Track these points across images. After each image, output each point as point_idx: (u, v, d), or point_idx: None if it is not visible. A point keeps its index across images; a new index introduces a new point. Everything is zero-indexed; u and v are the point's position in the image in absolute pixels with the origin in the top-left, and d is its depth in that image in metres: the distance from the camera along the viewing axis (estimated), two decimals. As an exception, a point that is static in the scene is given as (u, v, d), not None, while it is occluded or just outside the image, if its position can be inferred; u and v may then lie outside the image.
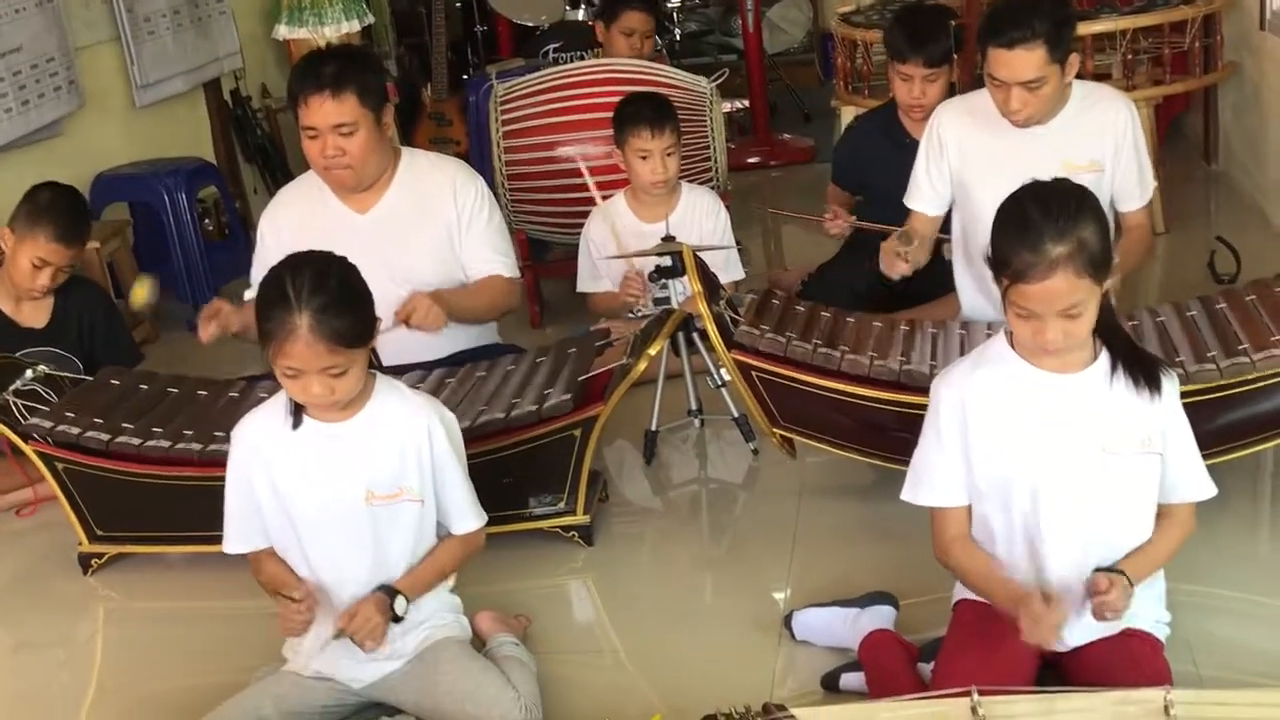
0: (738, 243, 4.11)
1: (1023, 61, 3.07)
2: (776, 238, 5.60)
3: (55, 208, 3.69)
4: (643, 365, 2.96)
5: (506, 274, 3.59)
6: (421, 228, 3.53)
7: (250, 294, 3.65)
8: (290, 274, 2.28)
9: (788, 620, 2.66)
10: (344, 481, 2.39)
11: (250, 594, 2.96)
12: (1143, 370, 2.28)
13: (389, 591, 2.39)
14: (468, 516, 2.51)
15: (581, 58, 6.60)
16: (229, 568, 3.06)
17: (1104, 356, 2.27)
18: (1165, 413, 2.28)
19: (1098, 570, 2.22)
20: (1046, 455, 2.26)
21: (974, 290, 3.51)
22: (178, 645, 2.97)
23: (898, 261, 3.28)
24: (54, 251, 3.66)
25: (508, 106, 4.48)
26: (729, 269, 4.05)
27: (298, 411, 2.40)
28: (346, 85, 3.31)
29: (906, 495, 2.39)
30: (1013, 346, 2.31)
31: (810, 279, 4.24)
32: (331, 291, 2.27)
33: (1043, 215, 2.15)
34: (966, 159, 3.38)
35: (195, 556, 3.17)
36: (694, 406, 3.54)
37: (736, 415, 3.45)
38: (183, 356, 4.84)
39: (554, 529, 3.10)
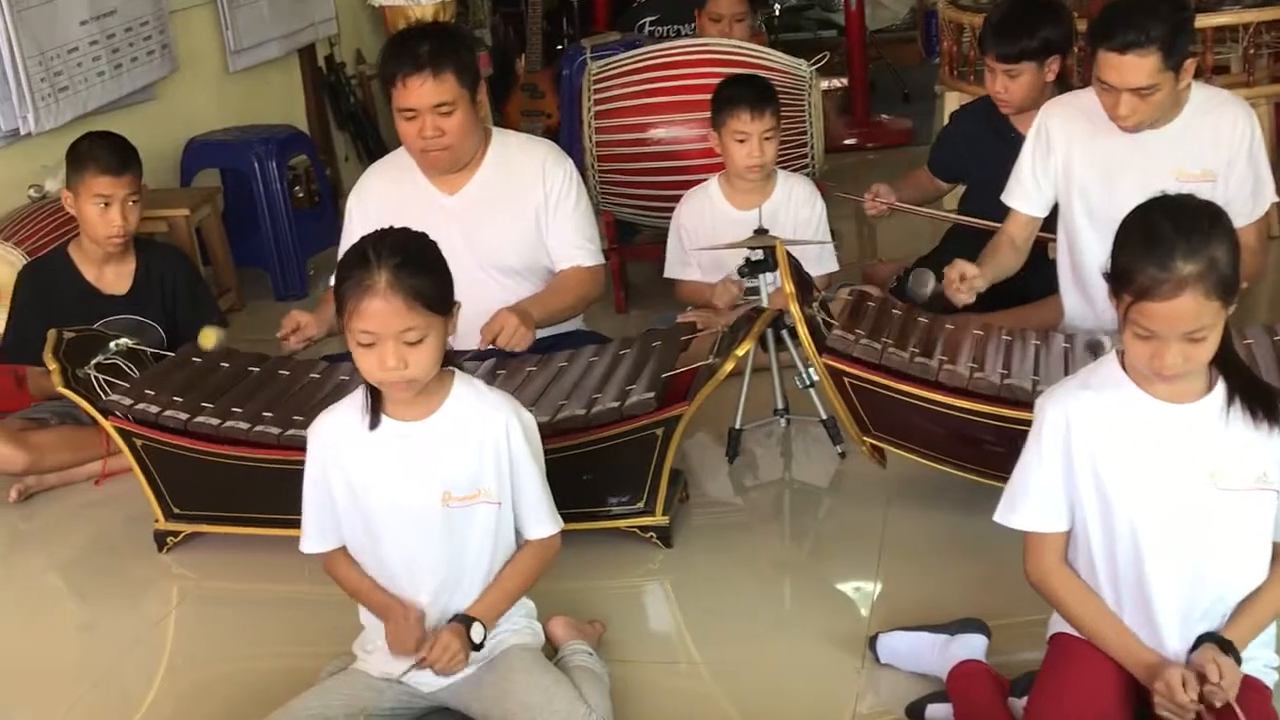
0: (832, 234, 3.99)
1: (1134, 68, 2.93)
2: (870, 225, 5.45)
3: (94, 146, 3.66)
4: (729, 366, 2.86)
5: (590, 262, 3.52)
6: (509, 209, 3.47)
7: (334, 278, 3.60)
8: (371, 242, 2.26)
9: (873, 641, 2.57)
10: (421, 482, 2.33)
11: (323, 580, 2.93)
12: (1261, 402, 2.14)
13: (466, 620, 2.33)
14: (544, 521, 2.43)
15: (679, 33, 6.51)
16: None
17: (1220, 387, 2.14)
18: (1284, 446, 2.15)
19: (1205, 641, 2.10)
20: (1153, 488, 2.14)
21: (1078, 297, 3.37)
22: (249, 627, 2.94)
23: (960, 292, 3.10)
24: (107, 184, 3.60)
25: (600, 85, 4.38)
26: (823, 261, 3.94)
27: (375, 410, 2.34)
28: (445, 64, 3.26)
29: (1000, 517, 2.28)
30: (1124, 368, 2.18)
31: (905, 274, 4.09)
32: (410, 253, 2.24)
33: (1174, 230, 2.02)
34: (1074, 160, 3.23)
35: (269, 538, 3.13)
36: (780, 405, 3.44)
37: (825, 417, 3.34)
38: (267, 324, 4.82)
39: (631, 529, 3.02)
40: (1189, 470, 2.13)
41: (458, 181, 3.48)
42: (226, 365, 3.31)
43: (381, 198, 3.53)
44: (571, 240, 3.49)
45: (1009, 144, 3.99)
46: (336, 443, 2.38)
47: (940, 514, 3.06)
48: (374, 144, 6.57)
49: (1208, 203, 2.13)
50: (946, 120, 5.18)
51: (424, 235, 2.32)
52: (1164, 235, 2.03)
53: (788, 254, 2.93)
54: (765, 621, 2.78)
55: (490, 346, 3.18)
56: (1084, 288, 3.35)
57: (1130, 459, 2.16)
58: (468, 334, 3.01)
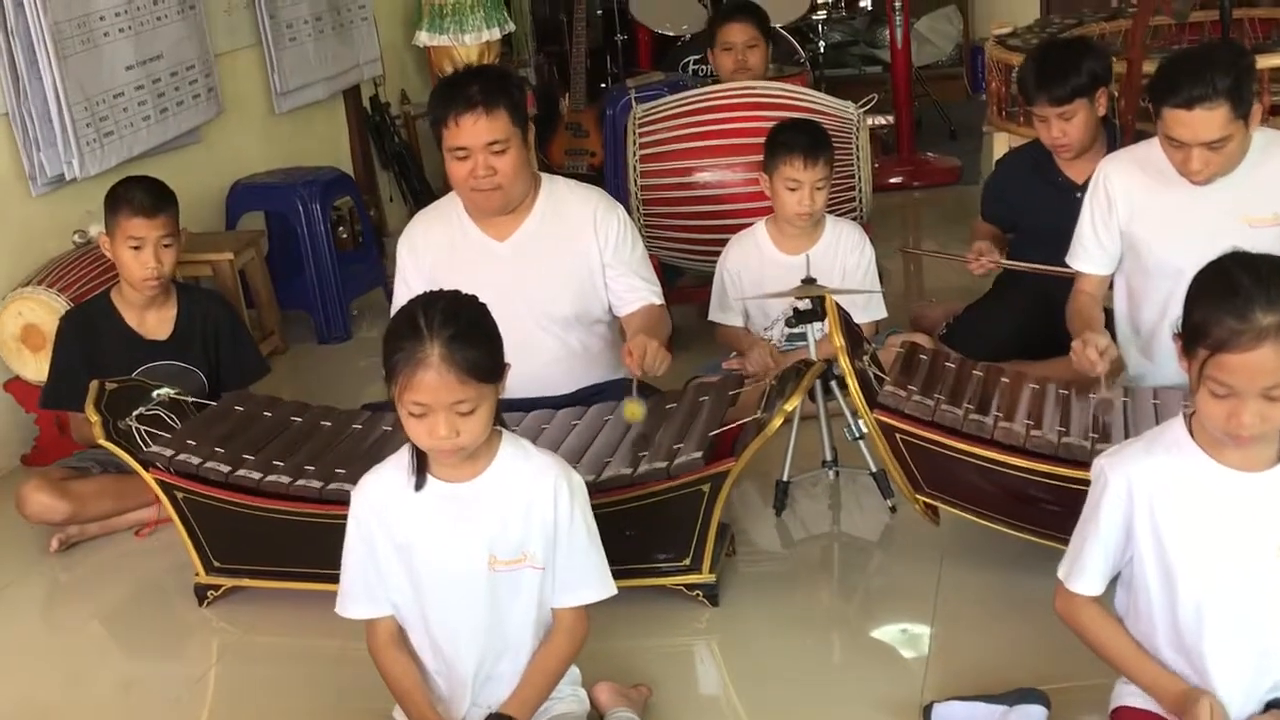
0: (879, 277, 3.94)
1: (1204, 122, 2.86)
2: (917, 264, 5.39)
3: (129, 189, 3.64)
4: (778, 422, 2.80)
5: (660, 302, 3.51)
6: (561, 257, 3.44)
7: None
8: (421, 308, 2.21)
9: (927, 711, 2.49)
10: (465, 545, 2.29)
11: (363, 634, 2.89)
12: (1336, 475, 2.07)
13: (501, 719, 2.27)
14: (583, 587, 2.36)
15: (719, 71, 6.48)
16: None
17: None
18: (1357, 521, 2.07)
19: (1272, 708, 2.03)
20: (1220, 558, 2.08)
21: (1137, 351, 3.29)
22: (291, 684, 2.90)
23: (1098, 364, 2.92)
24: (140, 226, 3.57)
25: (645, 129, 4.35)
26: (870, 309, 3.89)
27: (421, 471, 2.29)
28: (498, 102, 3.25)
29: (1062, 574, 2.25)
30: (1191, 434, 2.11)
31: (955, 322, 4.04)
32: (463, 323, 2.20)
33: (1253, 281, 1.96)
34: (1136, 215, 3.16)
35: (311, 593, 3.08)
36: (829, 457, 3.37)
37: (874, 469, 3.27)
38: (311, 369, 4.83)
39: (678, 587, 2.96)
40: (1258, 544, 2.07)
41: (507, 227, 3.45)
42: (269, 415, 3.28)
43: (433, 246, 3.51)
44: (635, 283, 3.48)
45: (1057, 189, 3.94)
46: (383, 505, 2.34)
47: (995, 573, 2.98)
48: (419, 184, 6.57)
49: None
50: (994, 163, 5.12)
51: (474, 299, 2.28)
52: (1242, 286, 1.97)
53: (837, 306, 2.87)
54: (817, 685, 2.70)
55: (632, 375, 3.06)
56: (1144, 342, 3.27)
57: (1196, 529, 2.09)
58: (513, 386, 2.96)
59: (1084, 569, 2.18)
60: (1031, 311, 3.81)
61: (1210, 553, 2.08)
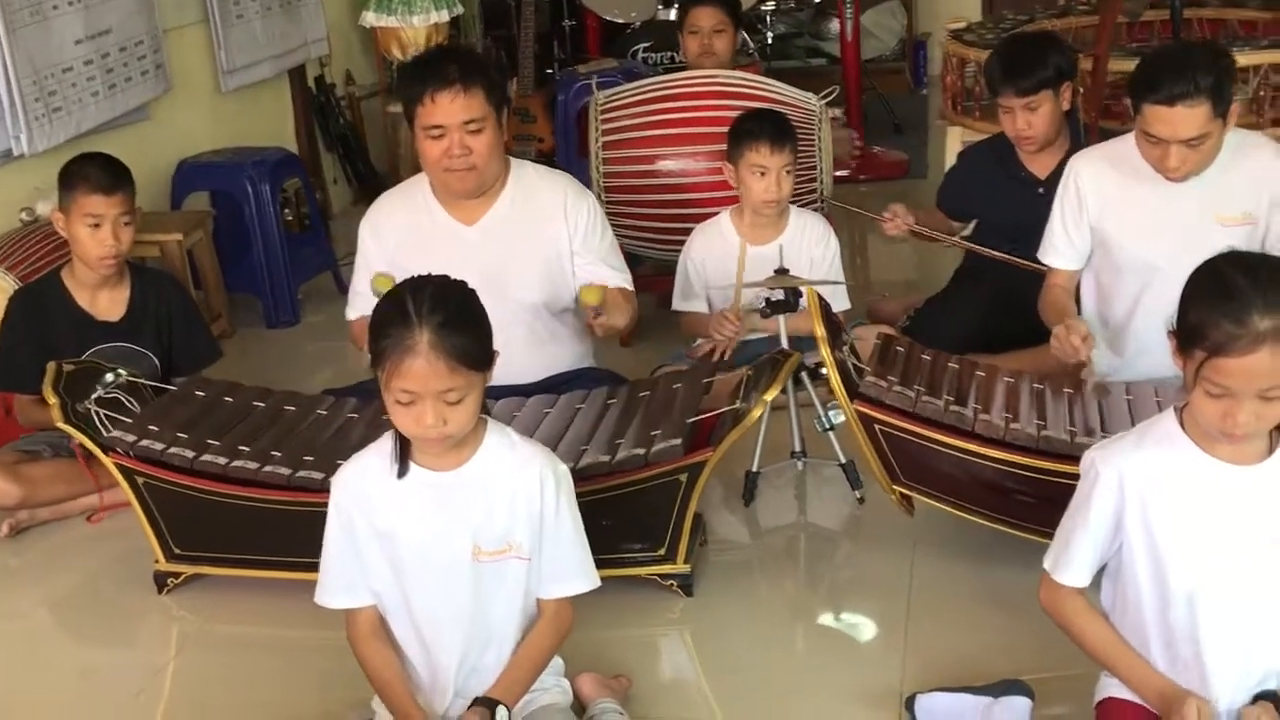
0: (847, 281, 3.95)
1: (1184, 119, 2.88)
2: (863, 254, 5.40)
3: (85, 165, 3.56)
4: (759, 411, 2.78)
5: (629, 288, 3.50)
6: (529, 242, 3.39)
7: (353, 312, 3.52)
8: (410, 292, 2.16)
9: (909, 702, 2.49)
10: (449, 535, 2.24)
11: (335, 624, 2.83)
12: (1324, 466, 2.09)
13: (489, 703, 2.23)
14: (572, 576, 2.33)
15: (672, 59, 6.45)
16: (310, 594, 2.94)
17: None
18: (1346, 511, 2.09)
19: (1262, 699, 2.05)
20: (1212, 551, 2.08)
21: (1106, 349, 3.31)
22: (257, 674, 2.84)
23: (1080, 350, 2.97)
24: (98, 203, 3.48)
25: (608, 115, 4.31)
26: (836, 300, 3.86)
27: (404, 459, 2.25)
28: (476, 80, 3.20)
29: (1048, 564, 2.24)
30: (1183, 427, 2.12)
31: (919, 313, 4.05)
32: (452, 309, 2.15)
33: (1250, 284, 1.96)
34: (1108, 211, 3.18)
35: (275, 581, 3.03)
36: (799, 448, 3.36)
37: (843, 460, 3.27)
38: (259, 353, 4.74)
39: (652, 576, 2.93)
40: (1250, 536, 2.08)
41: (476, 211, 3.40)
42: (231, 400, 3.21)
43: (398, 229, 3.45)
44: (603, 271, 3.45)
45: (1020, 183, 3.97)
46: (364, 493, 2.28)
47: (967, 564, 2.99)
48: (364, 167, 6.49)
49: (1276, 257, 2.09)
50: (949, 155, 5.15)
51: (463, 284, 2.24)
52: (1239, 288, 1.97)
53: (819, 297, 2.86)
54: (794, 676, 2.70)
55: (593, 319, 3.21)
56: (1111, 337, 3.29)
57: (1188, 522, 2.10)
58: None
59: (1071, 560, 2.19)
60: (993, 304, 3.83)
61: (1202, 545, 2.09)
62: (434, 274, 2.24)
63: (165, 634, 3.04)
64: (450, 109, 3.19)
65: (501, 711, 2.21)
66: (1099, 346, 3.32)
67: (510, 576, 2.28)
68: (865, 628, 2.85)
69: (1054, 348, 2.95)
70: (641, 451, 2.79)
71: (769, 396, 2.79)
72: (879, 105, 7.39)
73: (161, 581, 3.10)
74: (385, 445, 2.29)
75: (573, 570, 2.33)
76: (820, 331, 2.80)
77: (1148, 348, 3.20)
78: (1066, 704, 2.42)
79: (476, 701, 2.23)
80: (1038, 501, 2.75)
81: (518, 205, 3.42)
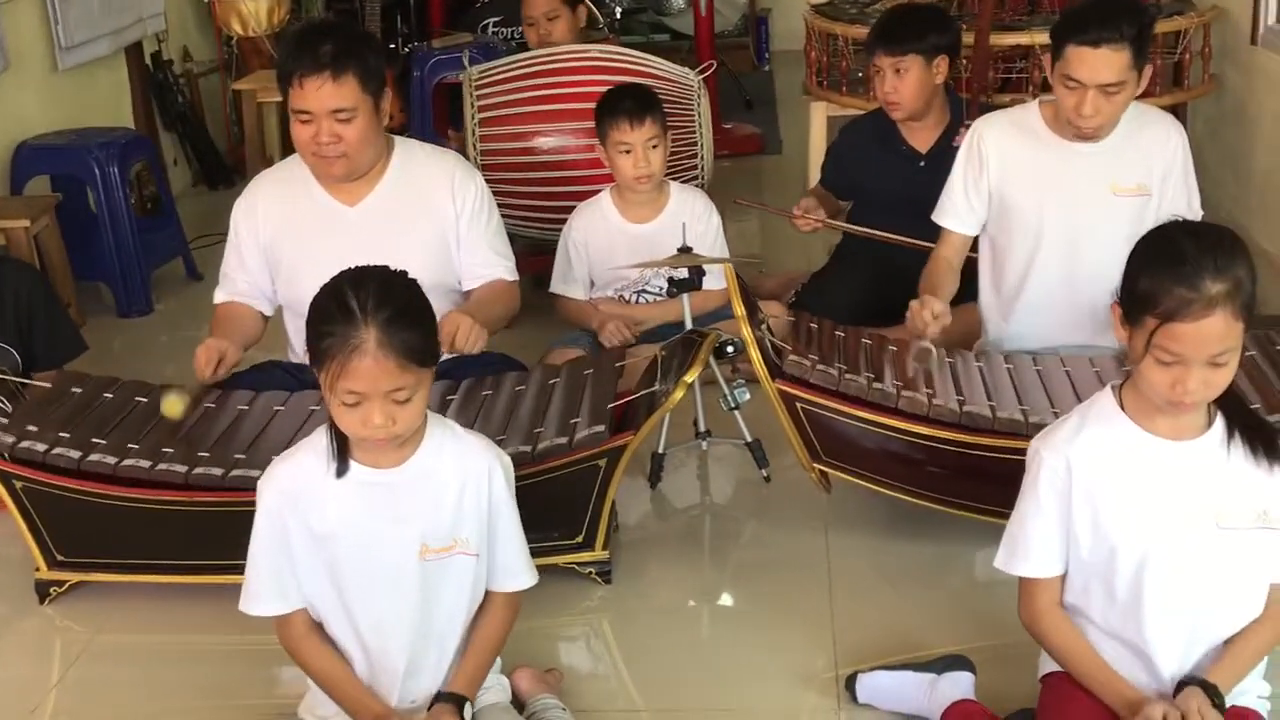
0: (755, 257, 3.92)
1: (1106, 62, 2.92)
2: (743, 237, 5.39)
3: None
4: (680, 394, 2.72)
5: (510, 277, 3.36)
6: (415, 223, 3.26)
7: (222, 295, 3.35)
8: (351, 286, 2.04)
9: (850, 682, 2.47)
10: (395, 534, 2.14)
11: (236, 628, 2.68)
12: (1261, 438, 2.12)
13: (455, 699, 2.15)
14: (519, 572, 2.27)
15: (523, 34, 6.35)
16: (210, 598, 2.81)
17: (1219, 423, 2.11)
18: (1284, 483, 2.13)
19: (1190, 684, 2.08)
20: (1155, 528, 2.10)
21: (998, 317, 3.35)
22: (153, 686, 2.68)
23: (930, 326, 2.97)
24: None
25: (483, 91, 4.20)
26: (720, 277, 3.84)
27: (343, 457, 2.13)
28: (348, 67, 3.03)
29: (1000, 564, 2.21)
30: (1121, 406, 2.14)
31: (804, 290, 4.05)
32: (399, 303, 2.04)
33: (1198, 250, 1.97)
34: (1008, 175, 3.20)
35: (168, 586, 2.87)
36: (703, 429, 3.32)
37: (749, 440, 3.25)
38: (113, 343, 4.51)
39: (570, 565, 2.86)
40: (1191, 509, 2.10)
41: (358, 191, 3.25)
42: (111, 396, 3.03)
43: (274, 210, 3.29)
44: (488, 256, 3.32)
45: (901, 157, 3.99)
46: (296, 492, 2.16)
47: (880, 540, 3.00)
48: (203, 147, 6.23)
49: (1220, 225, 2.12)
50: (814, 131, 5.17)
51: (404, 275, 2.13)
52: (1189, 254, 1.98)
53: (737, 275, 2.82)
54: (724, 663, 2.65)
55: (449, 354, 2.95)
56: (1003, 305, 3.33)
57: (1132, 499, 2.11)
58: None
59: (1029, 551, 2.16)
60: (877, 277, 3.85)
61: (1146, 522, 2.10)
62: (372, 265, 2.12)
63: (51, 647, 2.85)
64: (318, 96, 3.03)
65: (469, 708, 2.14)
66: (991, 315, 3.36)
67: (456, 573, 2.19)
68: (790, 608, 2.81)
69: (907, 321, 2.98)
70: (564, 440, 2.72)
71: (690, 378, 2.73)
72: (728, 81, 7.38)
73: (44, 591, 2.92)
74: (320, 442, 2.17)
75: (520, 563, 2.26)
76: (740, 310, 2.76)
77: (1039, 314, 3.25)
78: (1006, 674, 2.43)
79: (440, 698, 2.15)
80: (960, 475, 2.76)
81: (402, 185, 3.29)
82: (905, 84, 3.86)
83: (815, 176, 4.90)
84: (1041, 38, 3.98)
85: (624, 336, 3.62)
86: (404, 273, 2.13)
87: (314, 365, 2.06)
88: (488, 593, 2.26)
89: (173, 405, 2.83)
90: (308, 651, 2.20)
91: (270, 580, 2.20)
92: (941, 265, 3.32)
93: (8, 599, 2.96)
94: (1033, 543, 2.17)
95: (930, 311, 2.97)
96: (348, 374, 1.99)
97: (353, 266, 2.12)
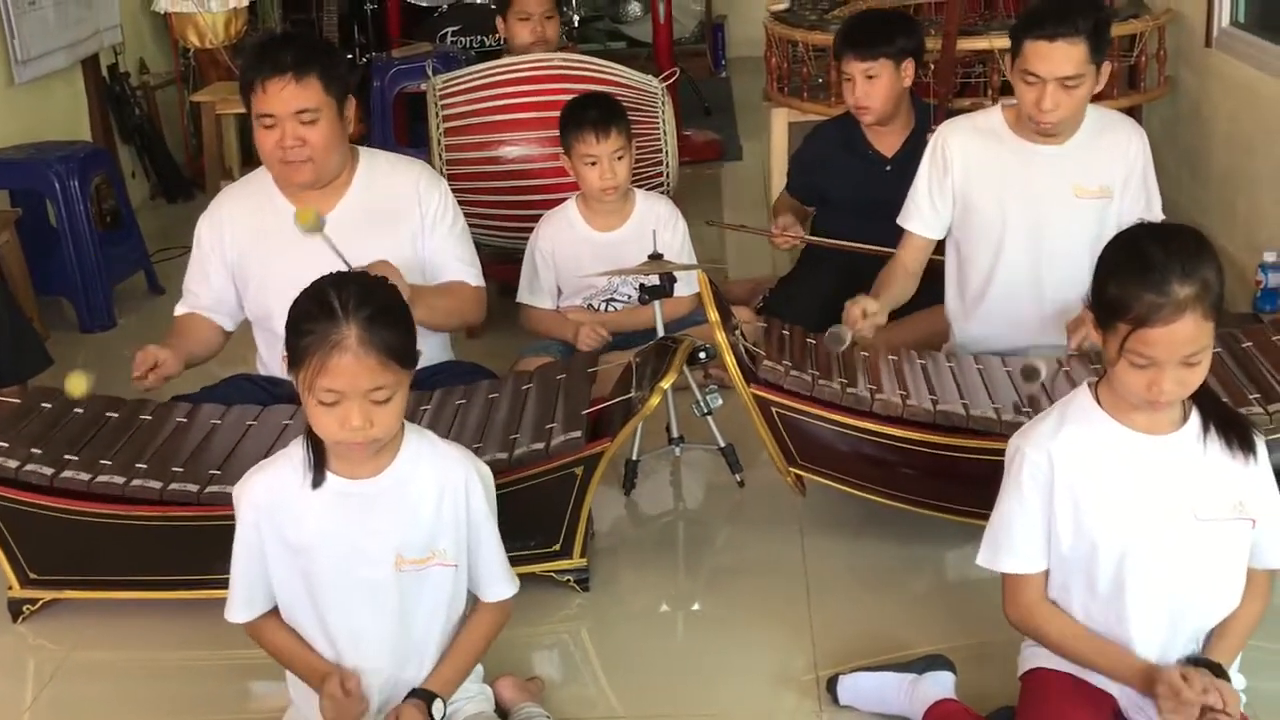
0: (719, 264, 3.93)
1: (1064, 55, 2.97)
2: (704, 244, 5.39)
3: None
4: (656, 400, 2.74)
5: (475, 282, 3.35)
6: (382, 232, 3.25)
7: (182, 308, 3.34)
8: (334, 287, 2.06)
9: (831, 683, 2.49)
10: (371, 546, 2.14)
11: (212, 643, 2.72)
12: (1236, 431, 2.16)
13: (426, 695, 2.15)
14: (499, 581, 2.28)
15: (482, 43, 6.36)
16: (184, 614, 2.81)
17: (1195, 416, 2.15)
18: (1257, 475, 2.17)
19: (1191, 663, 2.10)
20: (1136, 521, 2.13)
21: (964, 319, 3.38)
22: (129, 703, 2.67)
23: (862, 322, 3.04)
24: None
25: (447, 101, 4.19)
26: (690, 283, 3.85)
27: (319, 467, 2.13)
28: (310, 69, 3.05)
29: (984, 561, 2.23)
30: (1098, 402, 2.17)
31: (772, 295, 4.07)
32: (380, 303, 2.06)
33: (1166, 254, 2.01)
34: (972, 177, 3.24)
35: (143, 602, 2.85)
36: (676, 434, 3.33)
37: (723, 445, 3.26)
38: (75, 359, 4.45)
39: (548, 573, 2.86)
40: (1170, 502, 2.13)
41: (324, 203, 3.24)
42: (81, 411, 3.00)
43: (240, 225, 3.28)
44: (452, 263, 3.32)
45: (867, 162, 4.02)
46: (271, 504, 2.16)
47: (856, 542, 3.02)
48: (161, 159, 6.19)
49: (1188, 226, 2.15)
50: (775, 137, 5.19)
51: (385, 280, 2.16)
52: (1156, 260, 2.01)
53: (711, 282, 2.83)
54: (704, 667, 2.66)
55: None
56: (967, 308, 3.36)
57: (1112, 494, 2.14)
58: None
59: (1014, 547, 2.19)
60: (844, 282, 3.84)
61: (1126, 516, 2.13)
62: (353, 269, 2.13)
63: (24, 666, 2.82)
64: (281, 97, 3.04)
65: (439, 705, 2.15)
66: (956, 318, 3.39)
67: (433, 585, 2.19)
68: (768, 612, 2.82)
69: (844, 313, 3.03)
70: (541, 446, 2.72)
71: (666, 384, 2.75)
72: (687, 88, 7.40)
73: (16, 610, 2.89)
74: (296, 453, 2.16)
75: (502, 574, 2.26)
76: (714, 315, 2.78)
77: (1004, 316, 3.28)
78: (987, 673, 2.46)
79: (413, 693, 2.15)
80: (935, 476, 2.79)
81: (369, 194, 3.28)
82: (876, 88, 3.89)
83: (777, 182, 4.95)
84: (1000, 42, 4.00)
85: (600, 337, 3.62)
86: (383, 278, 2.16)
87: (292, 368, 2.06)
88: (477, 600, 2.25)
89: (76, 383, 2.82)
90: (270, 634, 2.23)
91: (243, 589, 2.21)
92: (897, 269, 3.35)
93: (-24, 618, 2.93)
94: (1017, 538, 2.19)
95: (861, 309, 3.02)
96: (327, 371, 2.00)
97: (333, 272, 2.12)
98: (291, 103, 3.04)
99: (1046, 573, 2.22)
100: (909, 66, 3.90)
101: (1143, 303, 2.00)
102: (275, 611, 2.24)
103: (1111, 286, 2.06)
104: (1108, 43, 3.10)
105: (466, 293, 3.33)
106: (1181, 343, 2.00)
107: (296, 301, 2.09)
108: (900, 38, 3.86)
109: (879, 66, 3.86)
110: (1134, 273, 2.03)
